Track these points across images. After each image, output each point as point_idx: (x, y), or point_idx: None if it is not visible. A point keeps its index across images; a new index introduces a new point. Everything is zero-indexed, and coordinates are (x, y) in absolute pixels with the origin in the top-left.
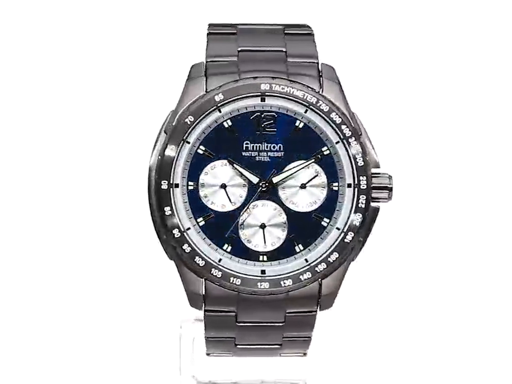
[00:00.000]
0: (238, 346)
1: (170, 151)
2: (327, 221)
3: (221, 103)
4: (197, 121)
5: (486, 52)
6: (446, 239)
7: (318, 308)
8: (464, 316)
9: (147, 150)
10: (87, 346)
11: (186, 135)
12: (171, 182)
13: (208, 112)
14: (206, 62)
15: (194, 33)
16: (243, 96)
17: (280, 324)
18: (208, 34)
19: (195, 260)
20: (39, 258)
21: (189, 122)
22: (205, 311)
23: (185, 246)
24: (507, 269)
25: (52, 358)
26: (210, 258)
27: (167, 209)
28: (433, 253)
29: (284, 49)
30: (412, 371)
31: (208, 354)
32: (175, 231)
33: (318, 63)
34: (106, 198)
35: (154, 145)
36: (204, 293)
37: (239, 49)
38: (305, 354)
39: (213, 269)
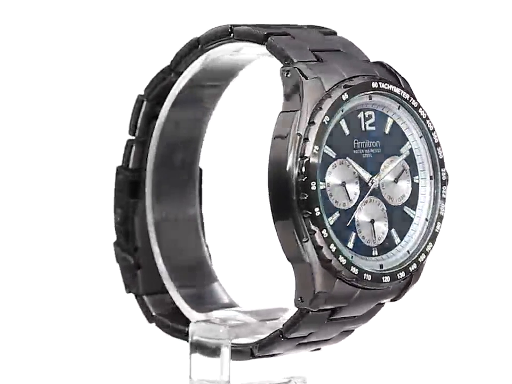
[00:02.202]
0: (298, 344)
1: (315, 152)
2: (414, 212)
3: (345, 103)
4: (331, 121)
5: None
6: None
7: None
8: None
9: None
10: (92, 349)
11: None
12: (317, 183)
13: (337, 111)
14: (301, 61)
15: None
16: (359, 94)
17: (355, 317)
18: (266, 35)
19: (339, 258)
20: (39, 257)
21: (326, 123)
22: (315, 310)
23: (332, 246)
24: None
25: (59, 362)
26: (348, 256)
27: (316, 210)
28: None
29: (341, 49)
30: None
31: (257, 356)
32: (324, 231)
33: (370, 61)
34: None
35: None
36: (330, 292)
37: (309, 49)
38: (319, 348)
39: (352, 267)
